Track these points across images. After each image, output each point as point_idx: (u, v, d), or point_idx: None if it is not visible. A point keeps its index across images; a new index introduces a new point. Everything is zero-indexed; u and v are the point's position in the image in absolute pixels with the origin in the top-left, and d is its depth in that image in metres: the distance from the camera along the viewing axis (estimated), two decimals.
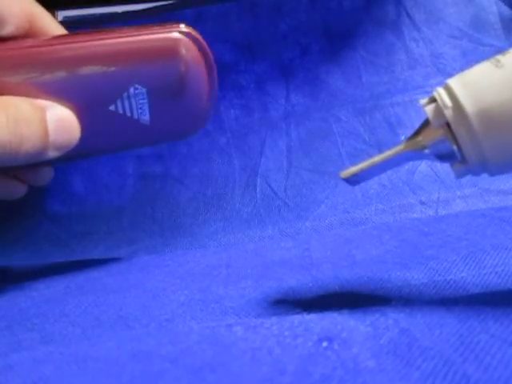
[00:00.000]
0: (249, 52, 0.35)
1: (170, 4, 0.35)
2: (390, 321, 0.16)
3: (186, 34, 0.23)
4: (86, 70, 0.22)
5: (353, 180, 0.18)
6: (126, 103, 0.23)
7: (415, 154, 0.16)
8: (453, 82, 0.15)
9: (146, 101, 0.23)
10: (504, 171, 0.16)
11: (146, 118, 0.23)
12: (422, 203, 0.33)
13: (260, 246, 0.31)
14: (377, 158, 0.17)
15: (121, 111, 0.23)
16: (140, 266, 0.28)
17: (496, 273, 0.20)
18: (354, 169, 0.17)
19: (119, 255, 0.32)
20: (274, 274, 0.24)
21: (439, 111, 0.15)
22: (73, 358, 0.15)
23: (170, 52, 0.23)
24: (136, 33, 0.23)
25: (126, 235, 0.35)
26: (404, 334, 0.15)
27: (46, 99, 0.22)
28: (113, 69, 0.22)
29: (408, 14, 0.37)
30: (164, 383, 0.13)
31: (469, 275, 0.20)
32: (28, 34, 0.23)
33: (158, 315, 0.21)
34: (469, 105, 0.15)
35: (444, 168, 0.35)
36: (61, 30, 0.24)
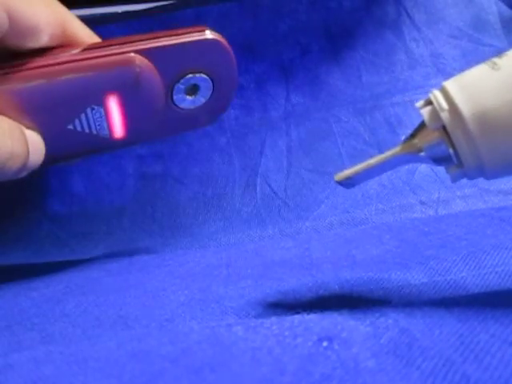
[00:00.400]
0: (249, 52, 0.35)
1: (171, 4, 0.35)
2: (389, 321, 0.16)
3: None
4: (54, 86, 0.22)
5: (348, 183, 0.18)
6: (84, 121, 0.23)
7: (411, 157, 0.16)
8: (449, 85, 0.15)
9: (103, 118, 0.23)
10: (500, 175, 0.16)
11: (105, 132, 0.24)
12: (422, 203, 0.33)
13: (260, 245, 0.31)
14: (372, 161, 0.17)
15: (79, 129, 0.23)
16: (140, 265, 0.28)
17: (496, 273, 0.20)
18: (348, 172, 0.17)
19: (119, 255, 0.32)
20: (274, 274, 0.24)
21: (435, 114, 0.15)
22: (73, 358, 0.15)
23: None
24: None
25: (126, 235, 0.35)
26: (404, 334, 0.15)
27: (16, 119, 0.22)
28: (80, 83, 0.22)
29: (408, 14, 0.37)
30: (164, 383, 0.13)
31: (469, 275, 0.20)
32: (60, 41, 0.22)
33: (158, 315, 0.21)
34: (465, 108, 0.15)
35: (444, 168, 0.35)
36: (90, 35, 0.24)
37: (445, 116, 0.15)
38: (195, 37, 0.23)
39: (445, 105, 0.15)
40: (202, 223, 0.35)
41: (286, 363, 0.14)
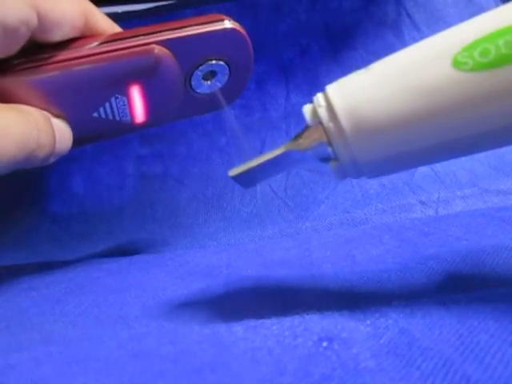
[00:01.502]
0: None
1: (171, 4, 0.35)
2: (389, 321, 0.16)
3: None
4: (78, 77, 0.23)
5: (245, 181, 0.18)
6: (108, 109, 0.24)
7: (299, 156, 0.17)
8: (329, 86, 0.16)
9: (126, 106, 0.25)
10: (378, 173, 0.17)
11: (127, 118, 0.25)
12: (422, 203, 0.33)
13: (260, 245, 0.31)
14: (262, 158, 0.17)
15: (103, 116, 0.24)
16: (140, 265, 0.28)
17: (496, 273, 0.20)
18: (241, 168, 0.17)
19: (119, 255, 0.32)
20: (274, 274, 0.24)
21: (314, 111, 0.16)
22: (73, 358, 0.15)
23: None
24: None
25: (126, 235, 0.35)
26: (404, 334, 0.15)
27: (44, 109, 0.23)
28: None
29: (408, 14, 0.37)
30: (164, 383, 0.13)
31: (468, 275, 0.20)
32: (83, 32, 0.23)
33: (157, 315, 0.21)
34: (338, 104, 0.16)
35: (444, 168, 0.35)
36: (112, 26, 0.24)
37: (321, 112, 0.16)
38: (214, 27, 0.24)
39: (322, 102, 0.16)
40: (201, 223, 0.35)
41: (285, 363, 0.14)
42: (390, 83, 0.15)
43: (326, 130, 0.16)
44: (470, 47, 0.14)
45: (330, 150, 0.16)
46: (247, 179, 0.18)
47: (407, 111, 0.15)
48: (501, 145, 0.17)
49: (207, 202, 0.36)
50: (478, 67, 0.14)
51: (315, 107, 0.16)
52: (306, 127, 0.17)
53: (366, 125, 0.15)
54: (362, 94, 0.15)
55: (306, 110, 0.17)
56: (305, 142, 0.17)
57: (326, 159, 0.17)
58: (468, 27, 0.15)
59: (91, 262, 0.30)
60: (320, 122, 0.16)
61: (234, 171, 0.18)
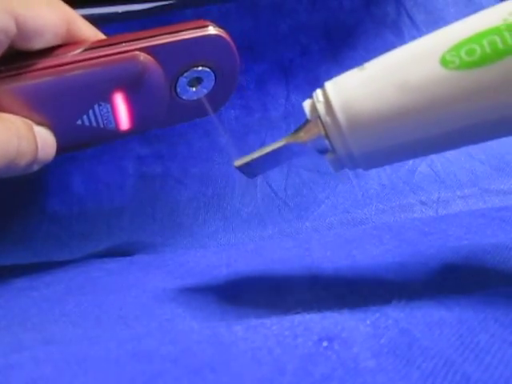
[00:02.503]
0: (249, 52, 0.35)
1: (171, 4, 0.35)
2: (389, 321, 0.16)
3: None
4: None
5: (248, 171, 0.20)
6: (92, 117, 0.24)
7: (300, 148, 0.18)
8: (327, 83, 0.18)
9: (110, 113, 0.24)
10: (372, 164, 0.18)
11: (112, 125, 0.25)
12: (422, 203, 0.33)
13: (260, 245, 0.31)
14: (265, 149, 0.19)
15: (87, 123, 0.24)
16: (140, 265, 0.28)
17: (496, 272, 0.20)
18: (246, 158, 0.19)
19: (119, 255, 0.32)
20: (274, 274, 0.24)
21: (314, 106, 0.18)
22: (73, 358, 0.15)
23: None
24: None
25: (126, 235, 0.35)
26: (404, 334, 0.15)
27: (26, 116, 0.23)
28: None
29: (408, 14, 0.37)
30: (164, 383, 0.13)
31: (469, 275, 0.21)
32: (65, 39, 0.23)
33: (157, 315, 0.21)
34: (335, 98, 0.17)
35: (444, 168, 0.35)
36: (95, 32, 0.24)
37: (320, 107, 0.17)
38: (198, 33, 0.24)
39: (321, 97, 0.17)
40: (201, 223, 0.35)
41: (285, 363, 0.14)
42: (381, 80, 0.16)
43: (323, 124, 0.17)
44: (458, 47, 0.15)
45: (327, 142, 0.17)
46: (251, 169, 0.19)
47: (398, 107, 0.16)
48: (486, 138, 0.18)
49: (207, 201, 0.36)
50: (465, 66, 0.15)
51: (314, 102, 0.18)
52: (306, 121, 0.18)
53: (360, 119, 0.16)
54: (356, 90, 0.17)
55: (306, 104, 0.18)
56: (304, 135, 0.18)
57: (323, 151, 0.18)
58: (456, 28, 0.16)
59: (91, 262, 0.30)
60: (318, 117, 0.17)
61: (239, 162, 0.19)
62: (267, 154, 0.19)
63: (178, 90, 0.25)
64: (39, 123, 0.23)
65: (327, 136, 0.17)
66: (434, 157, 0.36)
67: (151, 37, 0.23)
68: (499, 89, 0.15)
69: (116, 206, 0.36)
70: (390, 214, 0.33)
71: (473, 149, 0.36)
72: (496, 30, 0.15)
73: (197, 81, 0.25)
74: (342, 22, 0.37)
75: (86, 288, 0.25)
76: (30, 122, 0.23)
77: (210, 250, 0.32)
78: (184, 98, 0.26)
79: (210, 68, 0.25)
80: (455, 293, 0.18)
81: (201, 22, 0.24)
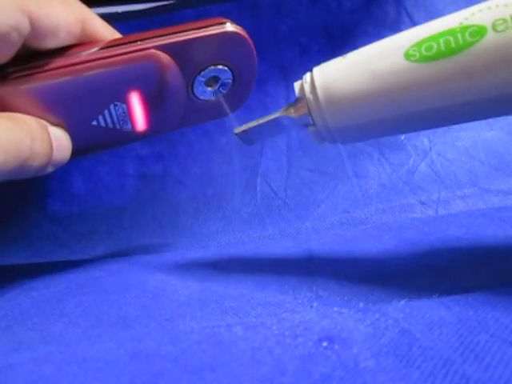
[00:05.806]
0: None
1: (171, 4, 0.35)
2: (389, 321, 0.16)
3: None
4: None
5: (246, 138, 0.23)
6: (108, 117, 0.24)
7: (288, 121, 0.22)
8: (315, 68, 0.21)
9: (126, 114, 0.24)
10: (347, 139, 0.21)
11: (128, 126, 0.25)
12: (422, 203, 0.33)
13: (260, 245, 0.31)
14: (261, 120, 0.22)
15: (102, 124, 0.24)
16: (140, 265, 0.28)
17: (496, 272, 0.20)
18: (244, 126, 0.22)
19: (119, 255, 0.32)
20: (274, 274, 0.24)
21: (302, 86, 0.21)
22: (73, 357, 0.15)
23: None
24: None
25: (126, 235, 0.35)
26: (404, 334, 0.15)
27: (41, 117, 0.22)
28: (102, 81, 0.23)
29: (408, 14, 0.37)
30: (164, 383, 0.13)
31: (469, 275, 0.20)
32: (80, 39, 0.22)
33: (158, 315, 0.21)
34: (318, 80, 0.20)
35: (444, 168, 0.35)
36: (112, 32, 0.24)
37: (306, 87, 0.21)
38: (216, 30, 0.23)
39: (308, 79, 0.21)
40: (202, 223, 0.35)
41: (286, 363, 0.14)
42: (356, 68, 0.19)
43: (307, 101, 0.21)
44: (420, 43, 0.18)
45: (310, 117, 0.21)
46: (248, 137, 0.23)
47: (368, 90, 0.19)
48: (445, 122, 0.21)
49: (207, 201, 0.36)
50: (423, 59, 0.18)
51: (303, 83, 0.21)
52: (296, 99, 0.21)
53: (336, 98, 0.20)
54: (336, 74, 0.20)
55: (296, 85, 0.21)
56: (293, 110, 0.21)
57: (307, 125, 0.21)
58: (421, 28, 0.19)
59: (91, 262, 0.30)
60: (304, 95, 0.21)
61: (238, 129, 0.23)
62: (263, 124, 0.22)
63: (195, 89, 0.25)
64: (54, 124, 0.23)
65: (310, 111, 0.21)
66: (434, 157, 0.36)
67: (167, 35, 0.23)
68: (450, 79, 0.18)
69: (116, 205, 0.36)
70: (389, 214, 0.33)
71: (473, 149, 0.36)
72: (452, 31, 0.18)
73: (214, 80, 0.25)
74: (342, 22, 0.37)
75: (85, 288, 0.25)
76: (44, 122, 0.22)
77: (210, 249, 0.32)
78: (201, 98, 0.25)
79: (227, 67, 0.24)
80: (455, 293, 0.18)
81: (218, 19, 0.24)
